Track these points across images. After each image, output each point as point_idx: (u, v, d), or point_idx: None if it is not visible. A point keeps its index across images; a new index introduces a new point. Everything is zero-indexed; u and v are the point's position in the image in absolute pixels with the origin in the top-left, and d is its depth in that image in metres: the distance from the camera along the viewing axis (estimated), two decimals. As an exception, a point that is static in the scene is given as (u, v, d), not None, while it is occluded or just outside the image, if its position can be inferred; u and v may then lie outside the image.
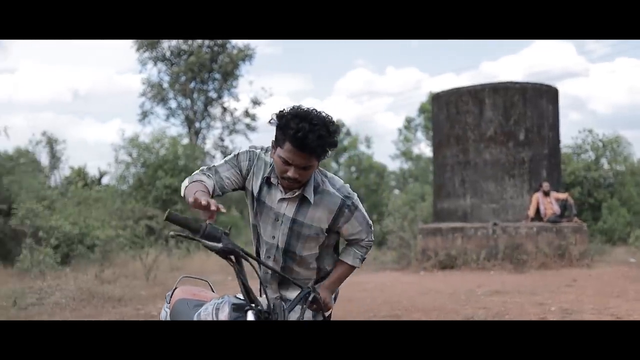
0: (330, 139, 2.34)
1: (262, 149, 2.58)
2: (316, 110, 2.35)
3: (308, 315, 2.52)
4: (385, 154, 75.99)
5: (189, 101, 31.08)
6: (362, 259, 2.71)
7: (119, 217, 16.98)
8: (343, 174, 36.35)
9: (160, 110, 31.84)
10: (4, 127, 15.18)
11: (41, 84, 54.78)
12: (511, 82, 13.72)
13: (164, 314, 2.83)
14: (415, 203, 20.82)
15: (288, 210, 2.50)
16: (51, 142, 31.68)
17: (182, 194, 2.42)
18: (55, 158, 31.61)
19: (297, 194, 2.47)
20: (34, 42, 56.61)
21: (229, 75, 30.71)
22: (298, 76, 63.92)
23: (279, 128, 2.35)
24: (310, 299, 2.42)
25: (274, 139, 2.41)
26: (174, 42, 29.94)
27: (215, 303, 2.44)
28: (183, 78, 30.37)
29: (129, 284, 9.95)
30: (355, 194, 2.59)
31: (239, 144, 31.78)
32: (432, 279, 10.92)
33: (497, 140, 13.23)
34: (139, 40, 29.26)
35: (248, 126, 31.85)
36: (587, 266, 11.68)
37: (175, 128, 39.44)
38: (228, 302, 2.38)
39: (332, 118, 2.38)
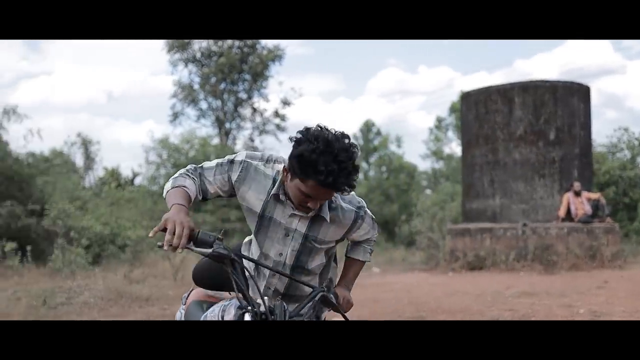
0: (356, 169, 2.20)
1: (261, 159, 2.45)
2: (336, 139, 2.16)
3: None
4: (416, 153, 75.44)
5: (219, 102, 31.40)
6: (371, 252, 2.72)
7: (150, 217, 17.21)
8: (373, 173, 36.29)
9: (191, 111, 32.29)
10: (37, 129, 15.59)
11: (77, 85, 55.71)
12: (541, 81, 13.50)
13: (179, 315, 2.87)
14: (445, 203, 20.63)
15: (300, 225, 2.42)
16: (86, 143, 32.18)
17: (163, 195, 2.37)
18: (89, 159, 32.09)
19: (311, 213, 2.38)
20: (69, 44, 57.83)
21: (259, 76, 30.95)
22: (329, 76, 63.92)
23: (299, 160, 2.16)
24: (317, 298, 2.36)
25: (289, 166, 2.24)
26: (204, 43, 30.28)
27: (222, 305, 2.45)
28: (213, 79, 30.68)
29: (157, 283, 10.07)
30: (362, 200, 2.55)
31: (269, 144, 32.02)
32: (460, 280, 10.81)
33: (526, 140, 13.03)
34: (170, 42, 29.65)
35: (278, 126, 32.09)
36: (619, 267, 11.44)
37: (206, 129, 39.82)
38: (234, 304, 2.38)
39: (351, 141, 2.20)
